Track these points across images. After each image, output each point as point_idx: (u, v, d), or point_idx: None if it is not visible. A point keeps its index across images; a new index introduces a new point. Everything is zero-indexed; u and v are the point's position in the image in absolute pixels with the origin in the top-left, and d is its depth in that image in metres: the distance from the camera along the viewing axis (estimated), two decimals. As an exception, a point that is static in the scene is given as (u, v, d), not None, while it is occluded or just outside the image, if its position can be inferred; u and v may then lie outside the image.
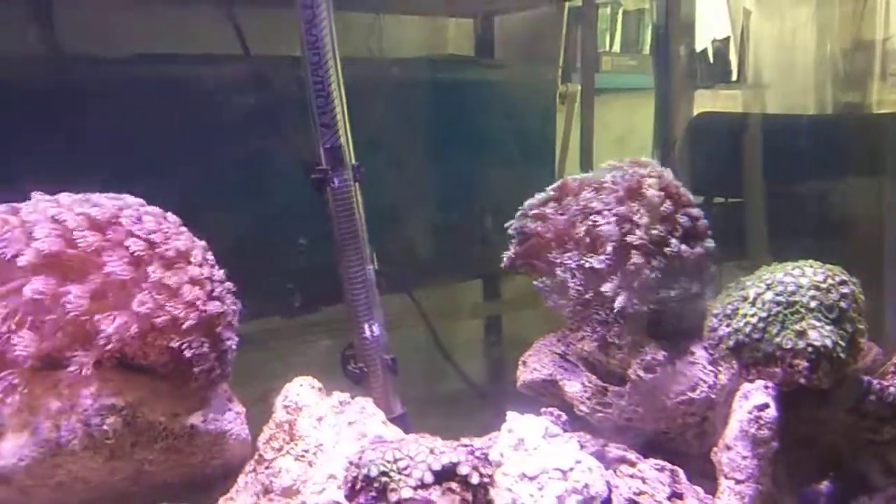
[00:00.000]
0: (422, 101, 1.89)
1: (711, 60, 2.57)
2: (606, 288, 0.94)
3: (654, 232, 0.95)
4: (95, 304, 0.87)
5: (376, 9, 1.89)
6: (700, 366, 1.01)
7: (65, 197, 0.96)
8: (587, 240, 0.99)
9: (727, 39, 2.56)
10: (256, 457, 0.99)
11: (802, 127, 2.17)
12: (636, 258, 0.93)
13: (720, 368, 1.01)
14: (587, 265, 0.97)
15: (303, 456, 0.97)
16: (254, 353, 1.17)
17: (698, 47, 2.44)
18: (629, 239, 0.96)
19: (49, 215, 0.90)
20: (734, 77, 2.56)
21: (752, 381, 0.91)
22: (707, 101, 2.38)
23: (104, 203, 0.96)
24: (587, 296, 0.98)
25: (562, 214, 1.02)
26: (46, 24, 1.47)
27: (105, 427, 0.88)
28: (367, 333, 1.21)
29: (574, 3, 2.26)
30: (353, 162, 1.20)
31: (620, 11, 2.58)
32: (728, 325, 0.89)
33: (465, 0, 2.07)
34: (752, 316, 0.88)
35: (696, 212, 1.00)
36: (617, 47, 2.59)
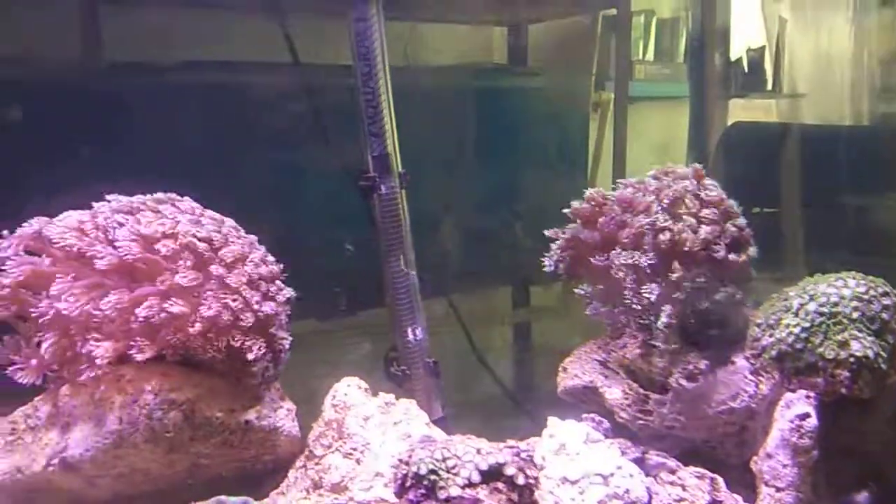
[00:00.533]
0: (455, 109, 1.91)
1: (746, 69, 2.56)
2: (652, 293, 0.96)
3: (702, 239, 0.97)
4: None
5: (412, 18, 1.92)
6: (741, 375, 1.02)
7: (135, 200, 1.01)
8: (633, 246, 1.01)
9: (762, 48, 2.56)
10: (307, 453, 1.02)
11: (840, 138, 2.17)
12: (684, 265, 0.95)
13: (761, 378, 1.02)
14: (633, 272, 0.99)
15: (351, 453, 1.01)
16: (298, 355, 1.20)
17: (733, 56, 2.45)
18: (677, 245, 0.98)
19: (121, 220, 0.94)
20: (769, 86, 2.56)
21: (793, 391, 0.92)
22: (740, 111, 2.38)
23: (168, 208, 1.01)
24: (632, 302, 0.99)
25: (609, 220, 1.04)
26: (93, 32, 1.52)
27: (166, 421, 0.92)
28: (411, 337, 1.25)
29: (608, 11, 2.28)
30: (400, 170, 1.23)
31: (654, 20, 2.59)
32: (771, 335, 0.91)
33: (499, 9, 2.09)
34: (795, 326, 0.89)
35: (741, 221, 1.01)
36: (650, 56, 2.59)
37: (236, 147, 1.50)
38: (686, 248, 0.96)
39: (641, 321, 1.02)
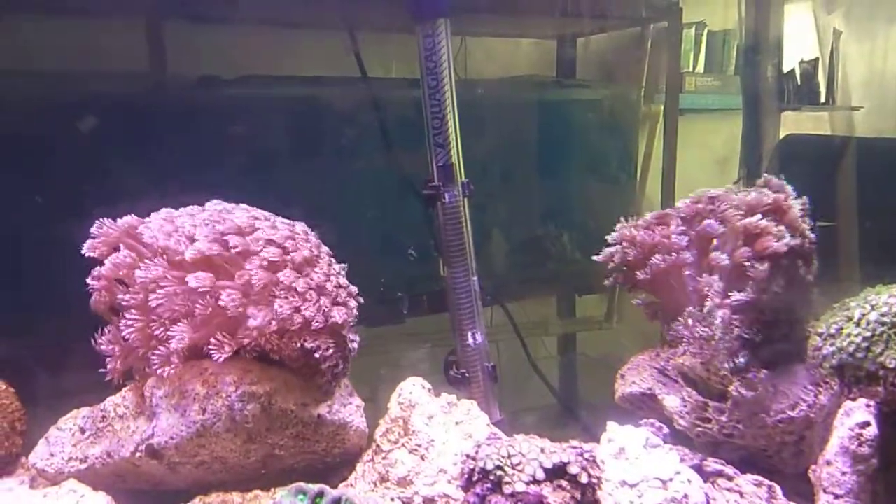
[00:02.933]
0: (504, 122, 1.94)
1: (799, 82, 2.55)
2: (730, 301, 0.97)
3: (778, 249, 0.99)
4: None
5: (462, 32, 1.96)
6: (801, 385, 1.04)
7: (211, 206, 1.08)
8: (704, 257, 1.03)
9: (815, 60, 2.54)
10: (374, 447, 1.07)
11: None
12: (760, 275, 0.97)
13: (820, 388, 1.03)
14: (704, 283, 1.01)
15: (416, 450, 1.05)
16: (361, 357, 1.25)
17: (785, 68, 2.44)
18: (756, 256, 1.00)
19: (203, 221, 1.01)
20: (822, 99, 2.54)
21: (854, 400, 0.93)
22: (791, 123, 2.37)
23: (244, 213, 1.07)
24: (700, 311, 1.02)
25: (682, 231, 1.07)
26: (157, 45, 1.60)
27: (246, 412, 0.98)
28: (471, 341, 1.29)
29: (659, 24, 2.29)
30: (463, 179, 1.28)
31: (705, 32, 2.58)
32: (832, 344, 0.92)
33: (549, 23, 2.12)
34: (857, 335, 0.90)
35: (812, 235, 1.03)
36: (701, 68, 2.59)
37: (304, 157, 1.57)
38: (768, 257, 0.98)
39: (703, 330, 1.04)
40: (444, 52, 1.23)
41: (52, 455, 1.02)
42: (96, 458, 1.00)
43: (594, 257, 1.21)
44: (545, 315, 2.27)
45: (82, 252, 1.01)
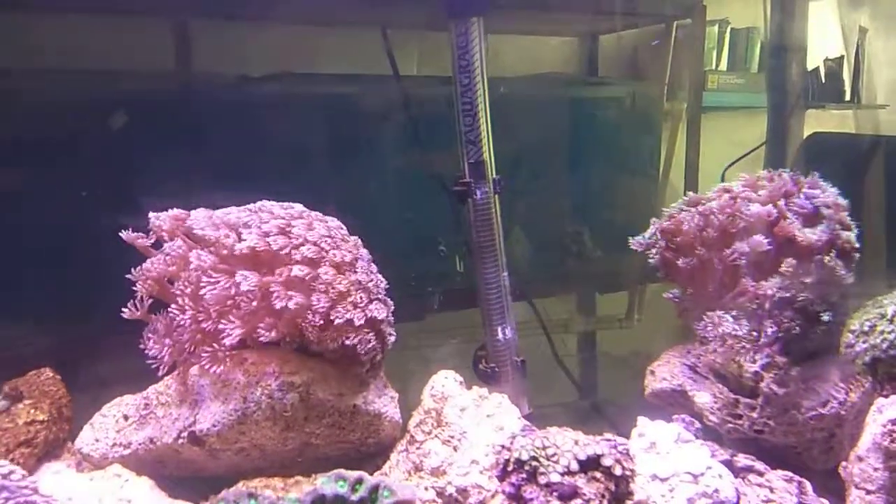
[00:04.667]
0: (528, 119, 1.95)
1: (823, 80, 2.54)
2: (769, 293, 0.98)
3: (825, 241, 1.00)
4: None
5: (484, 28, 1.96)
6: (832, 382, 1.05)
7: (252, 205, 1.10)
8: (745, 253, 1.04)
9: (840, 58, 2.53)
10: (408, 437, 1.09)
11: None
12: (790, 269, 0.98)
13: (851, 386, 1.04)
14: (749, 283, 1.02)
15: (449, 441, 1.07)
16: (392, 350, 1.27)
17: (809, 66, 2.42)
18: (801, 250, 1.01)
19: (247, 217, 1.04)
20: (847, 97, 2.53)
21: (886, 397, 0.94)
22: (813, 121, 2.36)
23: (284, 210, 1.10)
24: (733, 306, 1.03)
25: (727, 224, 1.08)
26: (183, 44, 1.63)
27: (285, 401, 1.00)
28: (500, 336, 1.30)
29: (683, 21, 2.28)
30: (494, 176, 1.30)
31: (728, 30, 2.57)
32: (865, 341, 0.93)
33: (573, 20, 2.12)
34: (890, 332, 0.91)
35: (849, 234, 1.04)
36: (724, 66, 2.57)
37: (338, 154, 1.59)
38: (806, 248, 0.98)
39: (735, 326, 1.05)
40: (476, 51, 1.25)
41: (96, 440, 1.05)
42: (139, 444, 1.03)
43: (631, 243, 1.21)
44: (565, 312, 2.27)
45: (125, 244, 1.04)
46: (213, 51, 1.65)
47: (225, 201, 1.11)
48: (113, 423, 1.06)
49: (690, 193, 1.24)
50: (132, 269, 1.04)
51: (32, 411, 1.02)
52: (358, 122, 1.60)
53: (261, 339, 0.99)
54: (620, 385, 2.01)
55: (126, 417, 1.06)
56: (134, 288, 1.04)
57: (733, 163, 2.03)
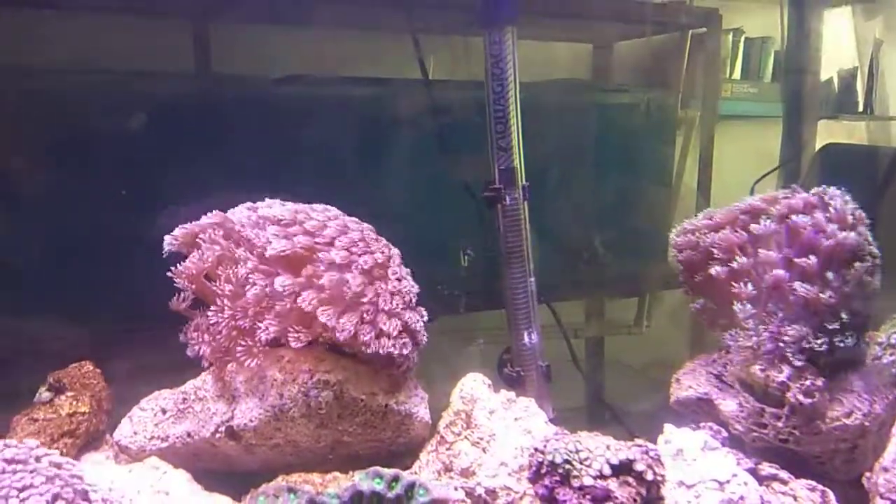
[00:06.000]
0: (542, 125, 1.96)
1: (837, 90, 2.56)
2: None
3: (847, 257, 1.02)
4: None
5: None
6: (857, 394, 1.06)
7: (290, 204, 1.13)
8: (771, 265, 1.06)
9: (854, 69, 2.54)
10: (438, 438, 1.11)
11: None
12: (830, 281, 1.00)
13: (876, 398, 1.06)
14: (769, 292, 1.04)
15: (478, 442, 1.09)
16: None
17: (823, 77, 2.44)
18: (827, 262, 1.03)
19: (287, 219, 1.06)
20: (860, 108, 2.54)
21: (912, 410, 0.96)
22: (823, 132, 2.38)
23: (316, 214, 1.12)
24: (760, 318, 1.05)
25: (747, 240, 1.10)
26: (203, 46, 1.65)
27: (320, 399, 1.02)
28: (526, 340, 1.32)
29: (697, 30, 2.30)
30: (524, 182, 1.32)
31: (743, 39, 2.59)
32: (892, 354, 0.95)
33: (587, 27, 2.14)
34: (918, 347, 0.93)
35: (875, 248, 1.06)
36: (737, 74, 2.59)
37: (360, 157, 1.61)
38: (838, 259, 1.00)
39: (763, 339, 1.07)
40: (510, 59, 1.27)
41: (134, 433, 1.07)
42: (177, 438, 1.05)
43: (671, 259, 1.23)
44: (574, 318, 2.29)
45: (163, 245, 1.07)
46: (234, 53, 1.67)
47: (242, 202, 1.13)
48: (151, 416, 1.08)
49: (709, 210, 1.25)
50: (159, 266, 1.06)
51: (74, 403, 1.04)
52: (381, 125, 1.62)
53: (292, 343, 1.01)
54: (627, 391, 2.03)
55: (164, 411, 1.08)
56: (167, 285, 1.06)
57: (762, 177, 2.04)
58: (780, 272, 1.05)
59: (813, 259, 1.04)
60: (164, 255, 1.07)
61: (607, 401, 2.05)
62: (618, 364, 2.34)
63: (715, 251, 1.12)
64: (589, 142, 2.03)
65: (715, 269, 1.10)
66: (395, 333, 1.03)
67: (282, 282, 0.99)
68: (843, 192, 1.14)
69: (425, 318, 1.10)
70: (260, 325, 1.00)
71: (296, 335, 1.02)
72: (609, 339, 2.33)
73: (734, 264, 1.09)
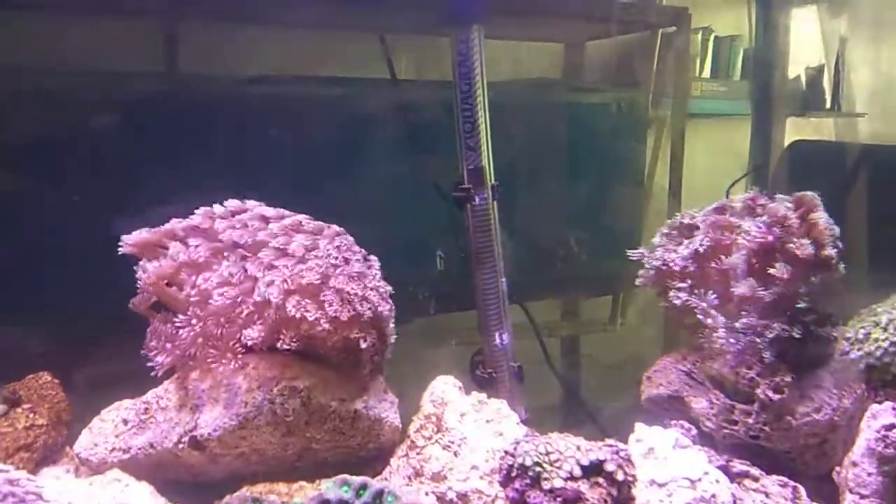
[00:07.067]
0: (513, 124, 1.96)
1: (805, 88, 2.59)
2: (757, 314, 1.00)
3: (806, 257, 1.02)
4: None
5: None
6: (825, 389, 1.07)
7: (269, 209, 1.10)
8: (732, 266, 1.06)
9: (821, 67, 2.57)
10: (408, 443, 1.09)
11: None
12: (787, 281, 1.00)
13: (844, 392, 1.06)
14: (736, 291, 1.04)
15: (449, 446, 1.07)
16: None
17: (791, 74, 2.47)
18: (783, 262, 1.03)
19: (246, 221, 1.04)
20: (828, 105, 2.57)
21: (880, 402, 0.97)
22: (792, 129, 2.40)
23: (286, 214, 1.10)
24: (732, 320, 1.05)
25: (708, 241, 1.10)
26: (171, 46, 1.62)
27: (287, 406, 1.00)
28: (497, 341, 1.31)
29: (667, 29, 2.31)
30: (493, 182, 1.30)
31: (712, 37, 2.61)
32: (860, 349, 0.95)
33: (558, 26, 2.14)
34: (884, 340, 0.94)
35: (839, 243, 1.06)
36: (707, 73, 2.61)
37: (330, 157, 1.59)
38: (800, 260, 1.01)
39: (734, 338, 1.07)
40: (477, 58, 1.26)
41: (95, 445, 1.04)
42: (139, 449, 1.03)
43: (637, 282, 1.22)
44: (549, 317, 2.29)
45: (120, 250, 1.04)
46: (204, 53, 1.64)
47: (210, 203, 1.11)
48: (112, 427, 1.05)
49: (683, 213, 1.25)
50: (124, 271, 1.03)
51: (31, 415, 1.01)
52: (351, 125, 1.60)
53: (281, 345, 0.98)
54: (601, 389, 2.03)
55: (125, 422, 1.05)
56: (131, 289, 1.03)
57: (735, 182, 2.06)
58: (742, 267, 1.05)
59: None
60: (123, 258, 1.04)
61: (582, 399, 2.05)
62: (593, 361, 2.35)
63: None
64: (561, 141, 2.03)
65: (678, 298, 1.09)
66: (363, 321, 1.01)
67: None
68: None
69: (392, 318, 1.09)
70: (230, 329, 0.97)
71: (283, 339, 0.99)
72: (584, 336, 2.33)
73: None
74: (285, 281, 0.98)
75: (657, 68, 2.36)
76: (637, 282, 1.19)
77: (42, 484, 0.83)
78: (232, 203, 1.09)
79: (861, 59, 2.52)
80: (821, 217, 1.06)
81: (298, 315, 0.97)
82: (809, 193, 1.12)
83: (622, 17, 2.06)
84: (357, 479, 0.90)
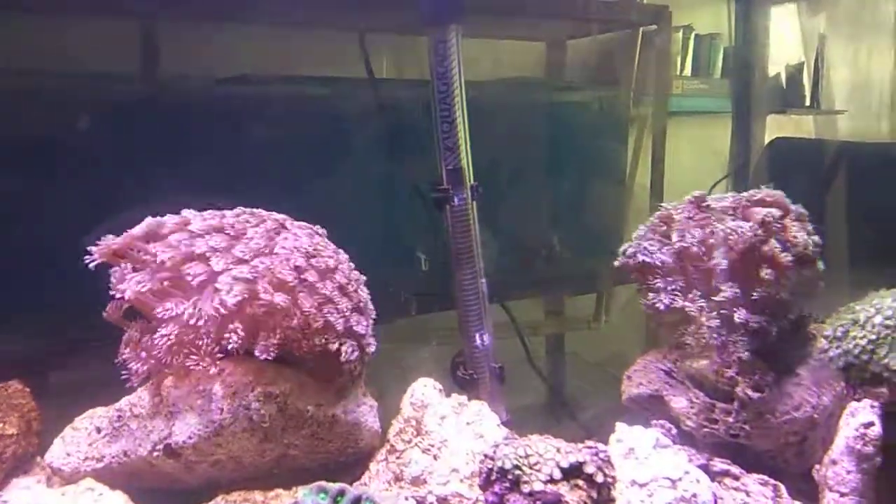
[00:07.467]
0: (494, 123, 1.95)
1: (785, 85, 2.60)
2: (738, 313, 1.00)
3: (783, 255, 1.02)
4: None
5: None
6: (805, 386, 1.07)
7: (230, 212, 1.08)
8: (711, 264, 1.06)
9: (801, 64, 2.59)
10: (388, 447, 1.08)
11: (885, 155, 2.18)
12: (767, 279, 1.00)
13: (823, 390, 1.06)
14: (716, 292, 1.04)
15: (429, 449, 1.06)
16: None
17: (771, 72, 2.48)
18: (757, 257, 1.02)
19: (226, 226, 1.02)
20: (807, 102, 2.58)
21: (858, 400, 0.97)
22: (774, 126, 2.41)
23: (256, 218, 1.08)
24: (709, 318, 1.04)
25: (683, 238, 1.09)
26: (151, 46, 1.59)
27: (263, 412, 0.99)
28: (478, 342, 1.30)
29: (648, 27, 2.31)
30: (472, 182, 1.29)
31: (693, 36, 2.62)
32: (838, 347, 0.95)
33: (540, 25, 2.13)
34: (862, 338, 0.94)
35: (817, 238, 1.06)
36: (688, 71, 2.62)
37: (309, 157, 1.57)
38: (769, 264, 1.01)
39: (714, 336, 1.06)
40: (454, 58, 1.25)
41: (68, 454, 1.02)
42: (112, 458, 1.01)
43: (616, 263, 1.22)
44: (533, 315, 2.28)
45: (88, 257, 1.01)
46: (181, 52, 1.62)
47: (192, 206, 1.08)
48: (85, 436, 1.03)
49: (664, 206, 1.25)
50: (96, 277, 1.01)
51: (1, 425, 0.99)
52: (328, 125, 1.58)
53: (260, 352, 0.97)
54: (586, 387, 2.03)
55: (99, 430, 1.03)
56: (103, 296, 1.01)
57: (717, 183, 2.06)
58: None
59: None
60: (92, 265, 1.01)
61: (565, 398, 2.05)
62: (577, 359, 2.34)
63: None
64: (542, 140, 2.02)
65: (661, 303, 1.09)
66: (340, 330, 1.00)
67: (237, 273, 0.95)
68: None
69: (372, 323, 1.07)
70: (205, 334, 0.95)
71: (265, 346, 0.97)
72: (569, 334, 2.33)
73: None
74: (259, 279, 0.96)
75: (638, 67, 2.36)
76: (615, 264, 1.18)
77: (13, 495, 0.81)
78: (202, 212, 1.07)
79: (840, 57, 2.53)
80: (795, 217, 1.06)
81: (270, 303, 0.95)
82: (778, 192, 1.11)
83: (603, 15, 2.06)
84: (334, 486, 0.89)
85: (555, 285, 2.16)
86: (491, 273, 1.39)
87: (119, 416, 1.03)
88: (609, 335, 2.27)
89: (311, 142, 1.56)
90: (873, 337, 0.93)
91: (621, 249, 1.21)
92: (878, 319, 0.94)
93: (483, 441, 1.07)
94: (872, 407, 0.96)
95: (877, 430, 0.95)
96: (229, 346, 0.94)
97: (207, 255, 0.96)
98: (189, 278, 0.95)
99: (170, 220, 1.03)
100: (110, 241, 0.99)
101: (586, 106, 2.15)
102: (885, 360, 0.93)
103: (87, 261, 0.97)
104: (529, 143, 1.99)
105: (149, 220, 1.02)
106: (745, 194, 1.15)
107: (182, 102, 1.49)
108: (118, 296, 0.97)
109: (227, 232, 1.01)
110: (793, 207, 1.11)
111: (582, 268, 2.07)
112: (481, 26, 1.94)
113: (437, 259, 1.53)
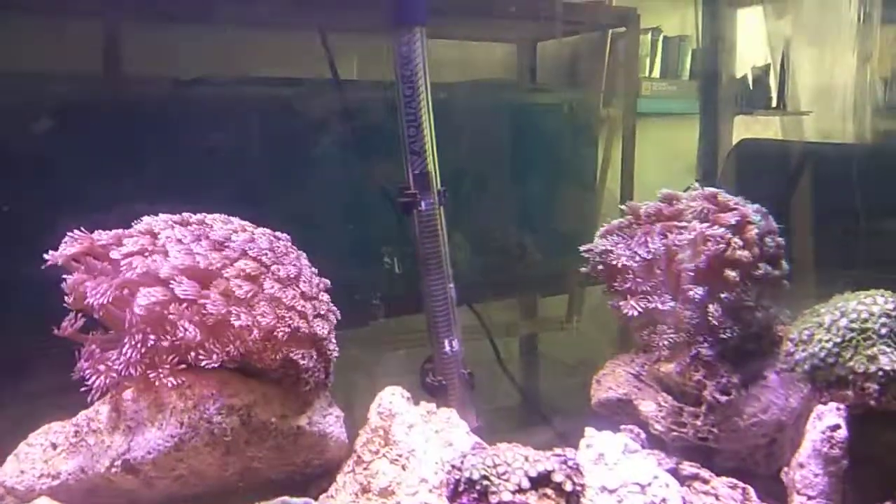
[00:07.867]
0: (465, 125, 1.94)
1: (751, 87, 2.63)
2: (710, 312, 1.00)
3: (745, 255, 1.02)
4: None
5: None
6: (772, 389, 1.07)
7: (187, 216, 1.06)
8: (676, 265, 1.05)
9: (767, 66, 2.62)
10: (355, 458, 1.06)
11: (848, 155, 2.21)
12: (731, 279, 1.00)
13: (790, 392, 1.07)
14: (684, 291, 1.03)
15: (397, 459, 1.05)
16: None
17: (738, 74, 2.51)
18: (724, 261, 1.03)
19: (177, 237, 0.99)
20: (774, 104, 2.62)
21: (825, 403, 0.97)
22: (741, 127, 2.44)
23: (218, 224, 1.05)
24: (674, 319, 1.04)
25: (647, 240, 1.09)
26: (112, 47, 1.56)
27: (225, 425, 0.96)
28: (447, 348, 1.29)
29: (617, 29, 2.33)
30: (439, 187, 1.28)
31: (661, 38, 2.65)
32: (804, 350, 0.95)
33: (510, 27, 2.13)
34: (827, 341, 0.94)
35: (780, 239, 1.07)
36: (657, 73, 2.64)
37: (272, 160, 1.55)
38: (733, 264, 1.00)
39: (681, 338, 1.06)
40: (419, 61, 1.23)
41: (22, 472, 0.99)
42: (69, 474, 0.98)
43: (582, 269, 1.22)
44: (506, 317, 2.28)
45: (46, 262, 0.98)
46: (143, 54, 1.59)
47: (152, 210, 1.06)
48: (40, 452, 1.00)
49: (628, 204, 1.24)
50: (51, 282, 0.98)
51: (-51, 444, 0.95)
52: (292, 127, 1.56)
53: (203, 361, 0.94)
54: (560, 389, 2.03)
55: (54, 446, 1.00)
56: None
57: (688, 188, 2.07)
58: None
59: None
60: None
61: (536, 402, 2.04)
62: (550, 360, 2.35)
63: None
64: (513, 142, 2.02)
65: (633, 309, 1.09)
66: (301, 338, 0.98)
67: (184, 290, 0.92)
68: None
69: (333, 333, 1.05)
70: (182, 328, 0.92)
71: (207, 352, 0.95)
72: (542, 335, 2.33)
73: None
74: (217, 289, 0.94)
75: (608, 69, 2.38)
76: (583, 270, 1.18)
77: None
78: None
79: (805, 59, 2.57)
80: (755, 221, 1.06)
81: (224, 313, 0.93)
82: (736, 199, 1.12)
83: (571, 17, 2.07)
84: (298, 501, 0.87)
85: (527, 287, 2.16)
86: (464, 275, 1.38)
87: (76, 432, 1.00)
88: (582, 335, 2.28)
89: (274, 144, 1.53)
90: (839, 340, 0.94)
91: (585, 248, 1.20)
92: (843, 322, 0.95)
93: (452, 449, 1.06)
94: (838, 410, 0.96)
95: (843, 432, 0.96)
96: (179, 341, 0.91)
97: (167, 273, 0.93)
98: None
99: (135, 227, 1.01)
100: (67, 247, 0.96)
101: (556, 108, 2.16)
102: (851, 363, 0.93)
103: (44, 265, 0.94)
104: (500, 145, 1.99)
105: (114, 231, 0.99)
106: (706, 190, 1.15)
107: (142, 104, 1.46)
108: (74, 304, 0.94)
109: (183, 241, 0.98)
110: (753, 208, 1.11)
111: (553, 269, 2.08)
112: (450, 28, 1.94)
113: (407, 262, 1.51)
